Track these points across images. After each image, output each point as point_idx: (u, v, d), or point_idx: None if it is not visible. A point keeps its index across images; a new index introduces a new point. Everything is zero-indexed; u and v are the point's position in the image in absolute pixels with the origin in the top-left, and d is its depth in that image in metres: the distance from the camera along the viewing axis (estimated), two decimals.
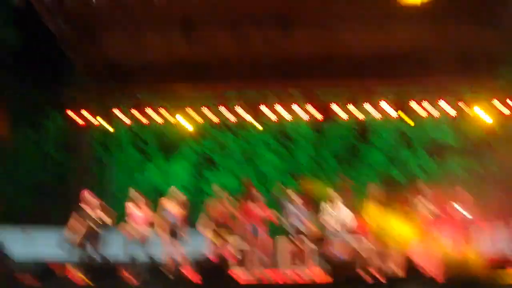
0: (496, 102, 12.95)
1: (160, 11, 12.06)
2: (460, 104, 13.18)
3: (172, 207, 10.93)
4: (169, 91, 14.08)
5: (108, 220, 10.94)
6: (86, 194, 10.94)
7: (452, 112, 13.83)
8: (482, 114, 13.08)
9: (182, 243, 10.85)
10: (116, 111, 13.66)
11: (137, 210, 10.90)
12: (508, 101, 12.91)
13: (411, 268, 9.33)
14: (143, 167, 21.41)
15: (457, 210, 10.42)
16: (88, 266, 10.16)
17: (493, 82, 13.37)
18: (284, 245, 11.18)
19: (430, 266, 10.29)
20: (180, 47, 12.82)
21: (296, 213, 10.85)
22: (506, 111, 13.01)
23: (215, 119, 18.14)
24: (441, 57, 13.17)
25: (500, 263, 9.26)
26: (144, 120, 15.62)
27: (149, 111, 13.59)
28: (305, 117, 18.63)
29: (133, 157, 21.49)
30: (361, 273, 9.42)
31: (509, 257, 9.35)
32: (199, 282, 9.44)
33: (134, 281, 9.67)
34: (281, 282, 10.09)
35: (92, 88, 13.88)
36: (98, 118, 13.76)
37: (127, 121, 17.81)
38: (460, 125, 19.90)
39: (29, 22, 14.70)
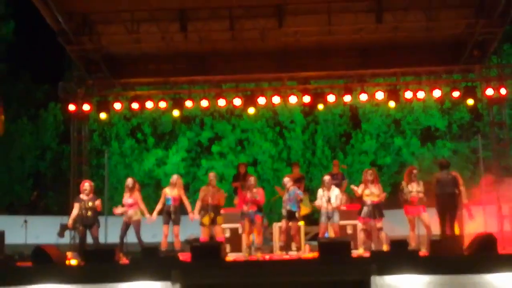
0: (484, 88, 13.24)
1: (156, 3, 12.28)
2: (450, 90, 13.45)
3: (171, 192, 11.21)
4: (165, 82, 14.29)
5: (102, 207, 11.22)
6: (84, 184, 11.18)
7: (443, 99, 14.12)
8: (470, 100, 13.39)
9: (177, 226, 11.14)
10: (114, 103, 13.81)
11: (132, 197, 11.14)
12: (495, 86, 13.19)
13: (399, 244, 9.62)
14: (141, 156, 21.66)
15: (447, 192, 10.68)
16: (82, 250, 10.39)
17: (482, 68, 13.67)
18: (277, 228, 11.48)
19: (418, 244, 10.68)
20: (176, 40, 13.02)
21: (290, 198, 11.09)
22: (494, 97, 13.30)
23: (211, 109, 18.44)
24: (432, 46, 13.48)
25: (488, 244, 9.55)
26: (141, 111, 15.78)
27: (146, 102, 13.76)
28: (299, 106, 19.01)
29: (130, 147, 21.74)
30: (349, 250, 9.72)
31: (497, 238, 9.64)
32: (191, 262, 9.70)
33: (126, 262, 9.95)
34: (269, 260, 10.35)
35: (90, 81, 14.03)
36: (96, 109, 13.93)
37: (124, 112, 18.11)
38: (450, 111, 20.36)
39: (27, 15, 14.80)
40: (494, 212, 11.85)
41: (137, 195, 11.30)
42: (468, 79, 13.83)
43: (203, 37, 12.90)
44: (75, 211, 11.06)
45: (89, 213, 10.98)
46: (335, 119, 21.41)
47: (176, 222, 11.20)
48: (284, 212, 11.20)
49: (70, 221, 11.12)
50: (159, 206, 11.21)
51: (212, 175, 11.54)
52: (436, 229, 10.82)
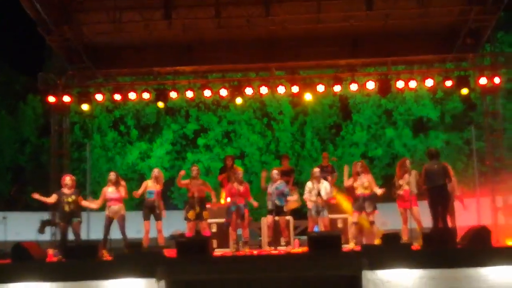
0: (477, 77, 13.03)
1: None
2: (442, 79, 13.23)
3: (153, 186, 10.90)
4: (149, 72, 13.93)
5: (86, 203, 10.90)
6: (65, 178, 10.87)
7: (435, 88, 13.92)
8: (464, 89, 13.18)
9: (159, 221, 10.86)
10: (96, 94, 13.45)
11: (114, 191, 10.82)
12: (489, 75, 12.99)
13: (391, 238, 9.44)
14: (124, 150, 21.38)
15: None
16: (64, 246, 10.14)
17: (476, 57, 13.45)
18: (265, 223, 11.22)
19: (409, 237, 10.43)
20: (160, 28, 12.68)
21: (278, 191, 10.82)
22: (488, 86, 13.10)
23: (197, 100, 18.12)
24: (424, 34, 13.24)
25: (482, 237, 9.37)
26: (124, 103, 15.39)
27: (129, 93, 13.40)
28: (287, 97, 18.76)
29: (113, 140, 21.44)
30: (339, 244, 9.51)
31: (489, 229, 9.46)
32: (177, 258, 9.43)
33: (109, 258, 9.69)
34: (258, 255, 10.12)
35: (70, 71, 13.65)
36: (77, 101, 13.55)
37: (106, 103, 17.74)
38: (442, 101, 20.23)
39: (5, 4, 14.41)
40: (488, 204, 11.66)
41: (122, 190, 10.92)
42: (461, 68, 13.63)
43: (188, 25, 12.59)
44: (51, 200, 10.74)
45: (71, 207, 10.62)
46: (324, 110, 21.17)
47: (159, 218, 10.90)
48: (270, 205, 10.88)
49: (56, 221, 10.78)
50: (139, 192, 10.86)
51: (195, 168, 11.20)
52: (429, 223, 10.57)
